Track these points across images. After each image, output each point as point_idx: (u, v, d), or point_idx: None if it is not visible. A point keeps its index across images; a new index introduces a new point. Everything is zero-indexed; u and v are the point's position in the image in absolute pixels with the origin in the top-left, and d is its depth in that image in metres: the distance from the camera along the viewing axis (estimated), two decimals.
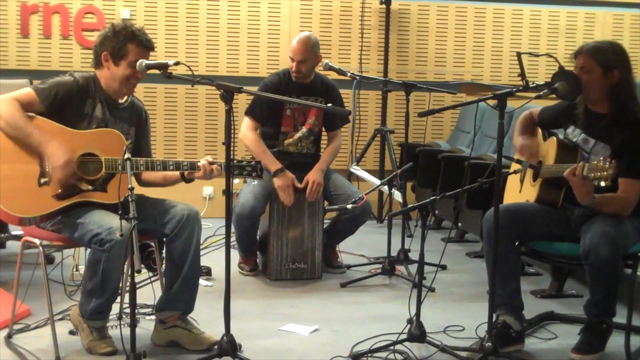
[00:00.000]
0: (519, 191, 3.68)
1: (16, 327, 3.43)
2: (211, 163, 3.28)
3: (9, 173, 3.08)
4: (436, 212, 5.85)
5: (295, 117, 4.63)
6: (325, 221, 4.62)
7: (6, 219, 3.15)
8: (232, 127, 2.96)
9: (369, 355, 3.23)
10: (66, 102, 3.20)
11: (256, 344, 3.40)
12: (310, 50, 4.52)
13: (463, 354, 3.25)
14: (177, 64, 3.02)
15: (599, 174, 2.97)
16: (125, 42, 3.23)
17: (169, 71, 3.02)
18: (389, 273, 4.56)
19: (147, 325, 3.51)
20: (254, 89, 4.38)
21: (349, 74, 5.10)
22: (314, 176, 4.48)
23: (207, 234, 5.07)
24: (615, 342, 3.32)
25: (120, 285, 3.36)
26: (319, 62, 4.64)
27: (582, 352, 3.27)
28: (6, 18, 6.06)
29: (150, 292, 3.46)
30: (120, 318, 3.44)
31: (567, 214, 3.43)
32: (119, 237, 2.97)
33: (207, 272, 4.42)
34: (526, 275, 4.55)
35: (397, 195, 4.70)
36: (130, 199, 2.77)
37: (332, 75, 4.97)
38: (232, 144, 2.98)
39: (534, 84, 3.27)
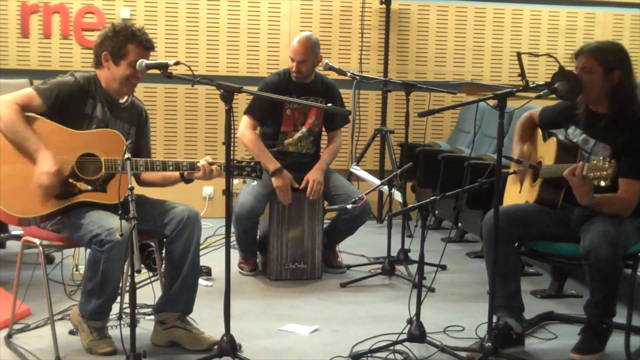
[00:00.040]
0: (519, 192, 3.67)
1: (16, 327, 3.43)
2: (211, 163, 3.28)
3: (9, 173, 3.08)
4: (436, 212, 5.84)
5: (295, 117, 4.63)
6: (325, 221, 4.62)
7: (6, 219, 3.15)
8: (232, 127, 2.96)
9: (369, 355, 3.23)
10: (67, 102, 3.20)
11: (256, 344, 3.40)
12: (310, 51, 4.52)
13: (463, 354, 3.25)
14: (177, 63, 3.02)
15: (598, 173, 2.97)
16: (125, 42, 3.23)
17: (169, 71, 3.02)
18: (389, 273, 4.56)
19: (147, 326, 3.51)
20: (254, 89, 4.38)
21: (349, 74, 5.10)
22: (314, 175, 4.48)
23: (207, 234, 5.07)
24: (615, 342, 3.32)
25: (120, 285, 3.36)
26: (319, 62, 4.64)
27: (582, 352, 3.27)
28: (6, 18, 6.06)
29: (150, 292, 3.46)
30: (120, 318, 3.44)
31: (567, 214, 3.43)
32: (119, 237, 2.97)
33: (207, 272, 4.42)
34: (526, 276, 4.55)
35: (397, 195, 4.70)
36: (130, 199, 2.78)
37: (332, 75, 4.97)
38: (232, 144, 2.98)
39: (534, 84, 3.27)
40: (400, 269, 4.62)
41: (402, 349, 3.25)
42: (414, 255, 4.65)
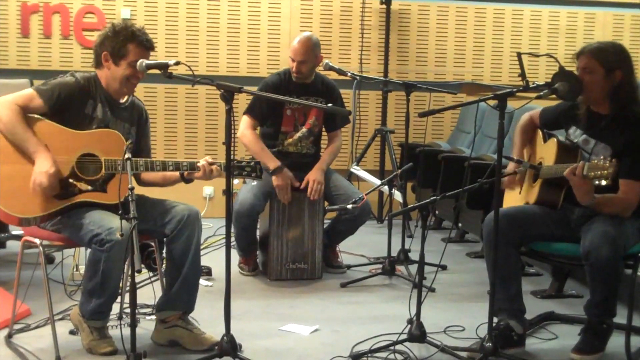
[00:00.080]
0: (519, 192, 3.67)
1: (16, 326, 3.43)
2: (211, 163, 3.28)
3: (9, 173, 3.08)
4: (436, 212, 5.84)
5: (296, 117, 4.63)
6: (325, 221, 4.62)
7: (6, 219, 3.15)
8: (233, 127, 2.96)
9: (369, 355, 3.23)
10: (68, 103, 3.20)
11: (256, 344, 3.40)
12: (310, 51, 4.51)
13: (463, 354, 3.25)
14: (177, 63, 3.02)
15: (599, 172, 2.97)
16: (125, 42, 3.23)
17: (169, 71, 3.03)
18: (389, 273, 4.56)
19: (147, 325, 3.51)
20: (254, 89, 4.38)
21: (349, 74, 5.10)
22: (314, 175, 4.48)
23: (207, 234, 5.07)
24: (616, 342, 3.32)
25: (121, 285, 3.36)
26: (319, 62, 4.64)
27: (582, 352, 3.27)
28: (6, 18, 6.06)
29: (150, 292, 3.47)
30: (120, 318, 3.45)
31: (567, 215, 3.42)
32: (119, 237, 2.97)
33: (208, 272, 4.42)
34: (526, 276, 4.55)
35: (398, 196, 4.70)
36: (130, 199, 2.78)
37: (333, 76, 4.97)
38: (232, 144, 2.98)
39: (534, 84, 3.27)
40: (401, 269, 4.62)
41: (403, 349, 3.25)
42: (414, 256, 4.65)
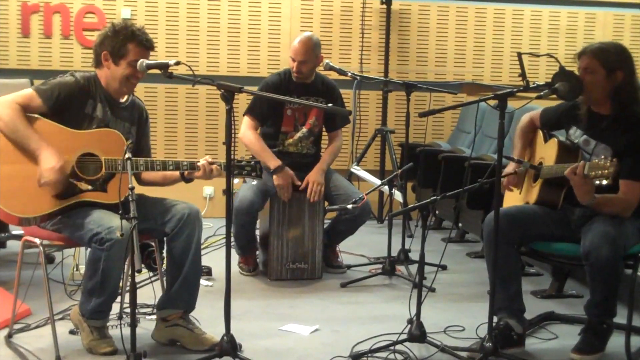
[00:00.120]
0: (519, 192, 3.67)
1: (16, 326, 3.43)
2: (211, 163, 3.28)
3: (9, 173, 3.08)
4: (436, 212, 5.84)
5: (296, 117, 4.63)
6: (325, 221, 4.62)
7: (6, 219, 3.16)
8: (233, 127, 2.96)
9: (369, 355, 3.23)
10: (68, 103, 3.20)
11: (256, 343, 3.40)
12: (311, 51, 4.51)
13: (463, 354, 3.25)
14: (177, 63, 3.02)
15: (600, 172, 2.97)
16: (125, 41, 3.23)
17: (169, 71, 3.02)
18: (390, 273, 4.56)
19: (147, 325, 3.51)
20: (255, 89, 4.38)
21: (349, 74, 5.10)
22: (314, 176, 4.48)
23: (207, 233, 5.07)
24: (616, 342, 3.32)
25: (121, 285, 3.36)
26: (319, 62, 4.64)
27: (582, 352, 3.27)
28: (7, 18, 6.06)
29: (150, 291, 3.47)
30: (120, 318, 3.45)
31: (567, 215, 3.42)
32: (119, 236, 2.97)
33: (208, 272, 4.42)
34: (526, 276, 4.55)
35: (398, 196, 4.70)
36: (130, 199, 2.78)
37: (333, 76, 4.97)
38: (232, 144, 2.98)
39: (535, 84, 3.27)
40: (401, 269, 4.62)
41: (403, 349, 3.25)
42: (414, 255, 4.65)
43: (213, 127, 6.36)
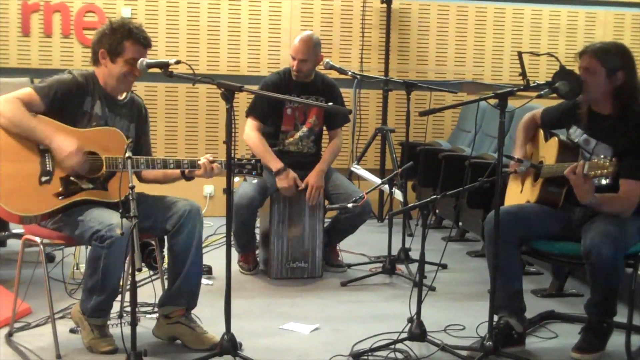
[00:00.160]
0: (520, 191, 3.67)
1: (17, 325, 3.43)
2: (211, 161, 3.28)
3: (9, 172, 3.07)
4: (437, 211, 5.85)
5: (296, 117, 4.63)
6: (325, 220, 4.62)
7: (7, 217, 3.15)
8: (233, 125, 2.96)
9: (370, 354, 3.23)
10: (66, 100, 3.20)
11: (257, 342, 3.40)
12: (311, 50, 4.51)
13: (463, 353, 3.25)
14: (178, 62, 3.02)
15: (599, 171, 2.97)
16: (121, 39, 3.23)
17: (169, 70, 3.02)
18: (390, 272, 4.56)
19: (147, 324, 3.51)
20: (255, 87, 4.39)
21: (349, 73, 5.09)
22: (314, 179, 4.47)
23: (207, 232, 5.06)
24: (616, 341, 3.33)
25: (121, 283, 3.36)
26: (320, 61, 4.64)
27: (582, 351, 3.27)
28: (7, 17, 6.06)
29: (151, 290, 3.46)
30: (120, 316, 3.44)
31: (568, 214, 3.42)
32: (120, 234, 2.97)
33: (208, 271, 4.42)
34: (527, 275, 4.54)
35: (398, 195, 4.70)
36: (131, 198, 2.78)
37: (333, 75, 4.96)
38: (232, 143, 2.98)
39: (535, 83, 3.27)
40: (401, 267, 4.62)
41: (403, 348, 3.25)
42: (414, 254, 4.65)
43: (213, 126, 6.36)
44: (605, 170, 2.95)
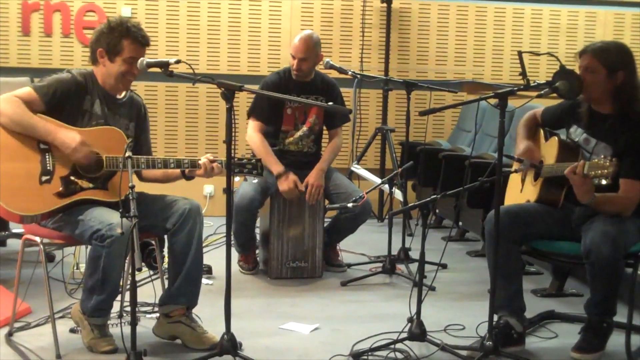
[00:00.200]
0: (520, 191, 3.67)
1: (17, 325, 3.43)
2: (212, 161, 3.28)
3: (10, 171, 3.07)
4: (437, 211, 5.84)
5: (296, 116, 4.62)
6: (325, 220, 4.62)
7: (7, 216, 3.15)
8: (233, 125, 2.96)
9: (369, 353, 3.23)
10: (65, 100, 3.19)
11: (257, 342, 3.40)
12: (312, 49, 4.51)
13: (463, 352, 3.25)
14: (178, 62, 3.02)
15: (599, 171, 2.97)
16: (120, 38, 3.23)
17: (170, 69, 3.02)
18: (390, 272, 4.56)
19: (147, 324, 3.51)
20: (255, 87, 4.38)
21: (349, 73, 5.09)
22: (313, 179, 4.47)
23: (207, 232, 5.06)
24: (616, 341, 3.33)
25: (121, 283, 3.36)
26: (320, 60, 4.64)
27: (582, 351, 3.27)
28: (7, 16, 6.06)
29: (151, 290, 3.46)
30: (120, 316, 3.44)
31: (568, 214, 3.42)
32: (120, 233, 2.97)
33: (208, 271, 4.42)
34: (527, 274, 4.54)
35: (398, 194, 4.70)
36: (131, 197, 2.78)
37: (333, 74, 4.96)
38: (232, 142, 2.98)
39: (535, 83, 3.27)
40: (401, 267, 4.62)
41: (403, 348, 3.25)
42: (414, 254, 4.66)
43: (213, 125, 6.36)
44: (606, 171, 2.95)
